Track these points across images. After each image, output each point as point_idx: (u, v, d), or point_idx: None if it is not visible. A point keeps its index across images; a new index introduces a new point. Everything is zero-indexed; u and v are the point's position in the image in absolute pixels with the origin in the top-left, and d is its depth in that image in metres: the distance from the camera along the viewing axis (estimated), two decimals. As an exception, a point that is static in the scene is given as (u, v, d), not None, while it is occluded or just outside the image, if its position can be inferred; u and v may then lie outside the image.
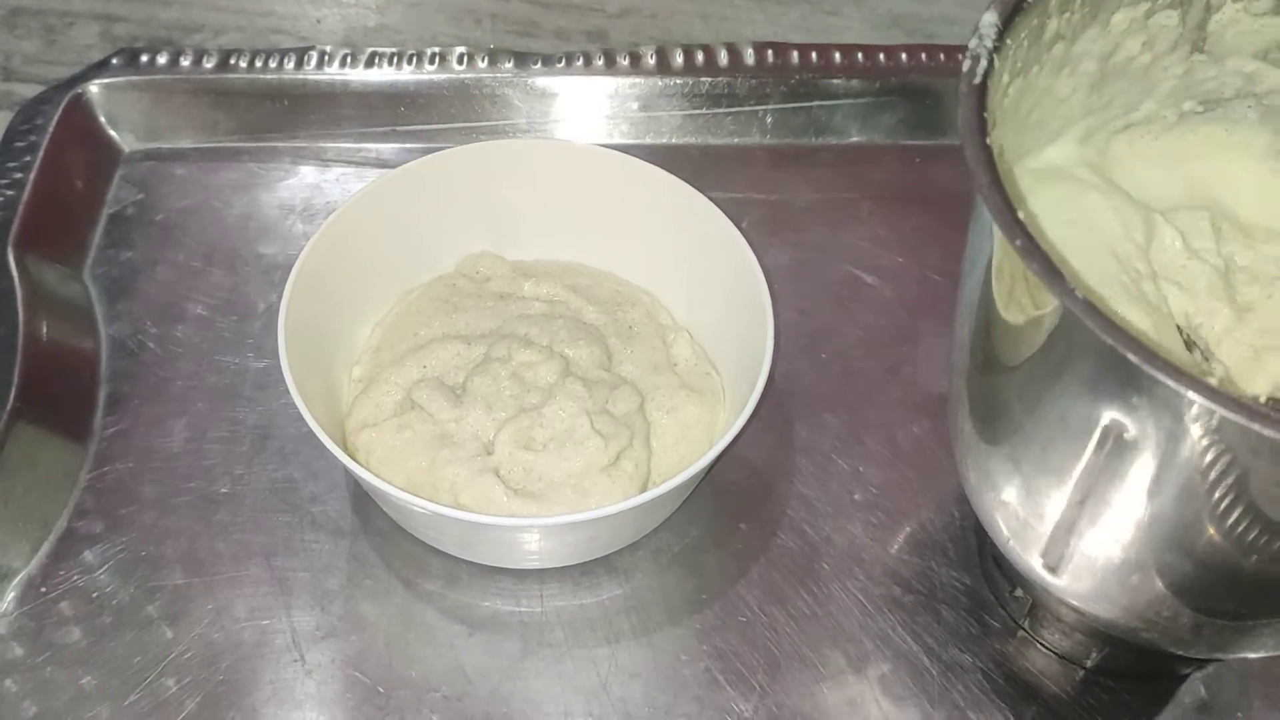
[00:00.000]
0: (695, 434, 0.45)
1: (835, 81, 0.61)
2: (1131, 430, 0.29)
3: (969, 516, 0.47)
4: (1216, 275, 0.40)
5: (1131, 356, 0.26)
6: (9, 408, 0.46)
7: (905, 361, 0.52)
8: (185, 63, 0.59)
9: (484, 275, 0.50)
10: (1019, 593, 0.44)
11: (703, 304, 0.49)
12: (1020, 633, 0.44)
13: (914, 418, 0.50)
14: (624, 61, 0.60)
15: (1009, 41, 0.33)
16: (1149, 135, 0.43)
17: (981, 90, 0.31)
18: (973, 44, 0.32)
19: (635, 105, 0.60)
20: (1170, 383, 0.26)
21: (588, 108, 0.60)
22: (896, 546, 0.47)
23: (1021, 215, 0.28)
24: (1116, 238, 0.39)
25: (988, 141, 0.30)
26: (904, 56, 0.61)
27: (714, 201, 0.48)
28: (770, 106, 0.61)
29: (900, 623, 0.45)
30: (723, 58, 0.61)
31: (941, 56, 0.61)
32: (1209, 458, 0.28)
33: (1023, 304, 0.31)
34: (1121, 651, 0.42)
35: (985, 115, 0.30)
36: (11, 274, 0.50)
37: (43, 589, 0.44)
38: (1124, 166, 0.42)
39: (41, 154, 0.55)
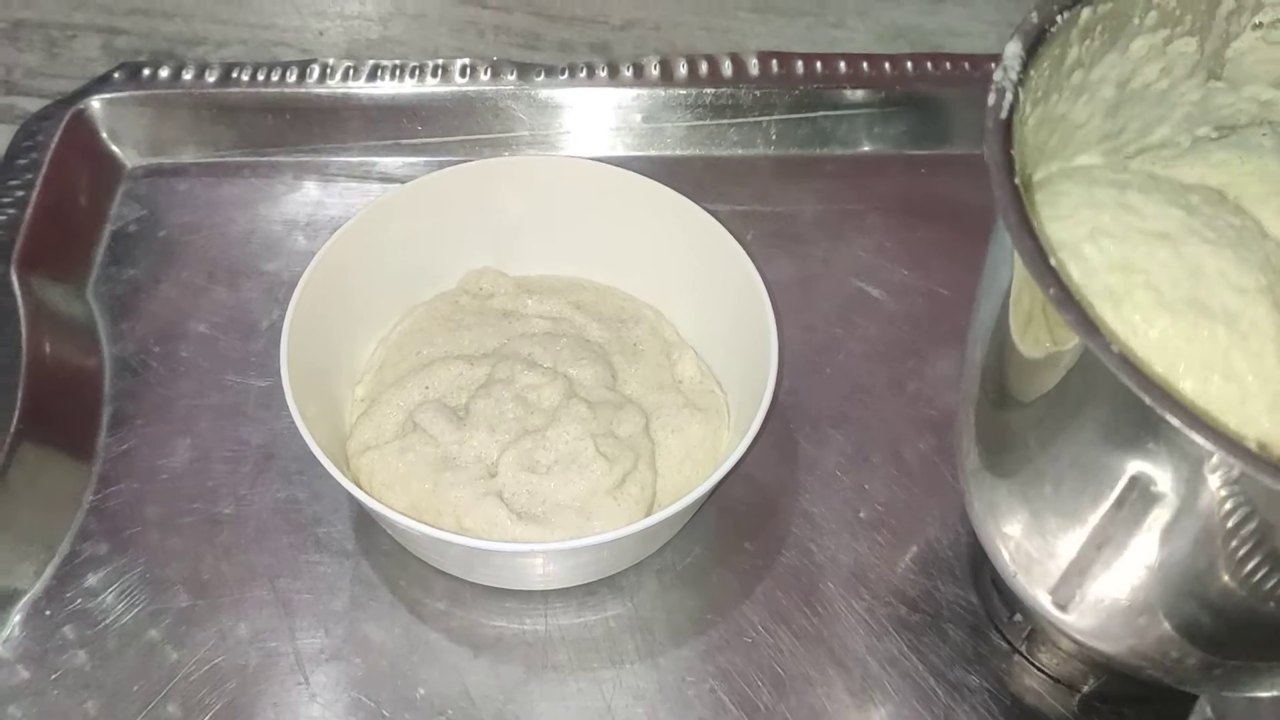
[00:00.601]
0: (700, 454, 0.45)
1: (840, 92, 0.60)
2: (1153, 476, 0.28)
3: (974, 535, 0.46)
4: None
5: (1172, 419, 0.25)
6: (12, 428, 0.46)
7: (912, 376, 0.52)
8: (187, 76, 0.59)
9: (487, 292, 0.50)
10: (1018, 617, 0.43)
11: (706, 320, 0.49)
12: (1016, 656, 0.44)
13: (920, 434, 0.50)
14: (627, 73, 0.60)
15: (1032, 72, 0.32)
16: (1160, 162, 0.42)
17: (1008, 126, 0.30)
18: (997, 76, 0.31)
19: (639, 117, 0.60)
20: (1213, 447, 0.25)
21: (591, 119, 0.60)
22: (902, 565, 0.47)
23: (1054, 262, 0.27)
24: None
25: (1016, 181, 0.29)
26: (909, 66, 0.61)
27: (718, 214, 0.48)
28: (775, 117, 0.61)
29: (906, 643, 0.44)
30: (727, 68, 0.60)
31: (947, 65, 0.61)
32: (1231, 508, 0.27)
33: (1040, 337, 0.31)
34: (1121, 678, 0.42)
35: (1012, 153, 0.30)
36: (14, 293, 0.50)
37: (47, 612, 0.44)
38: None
39: (44, 171, 0.55)
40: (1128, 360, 0.26)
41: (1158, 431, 0.27)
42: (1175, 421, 0.25)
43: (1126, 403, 0.27)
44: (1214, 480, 0.27)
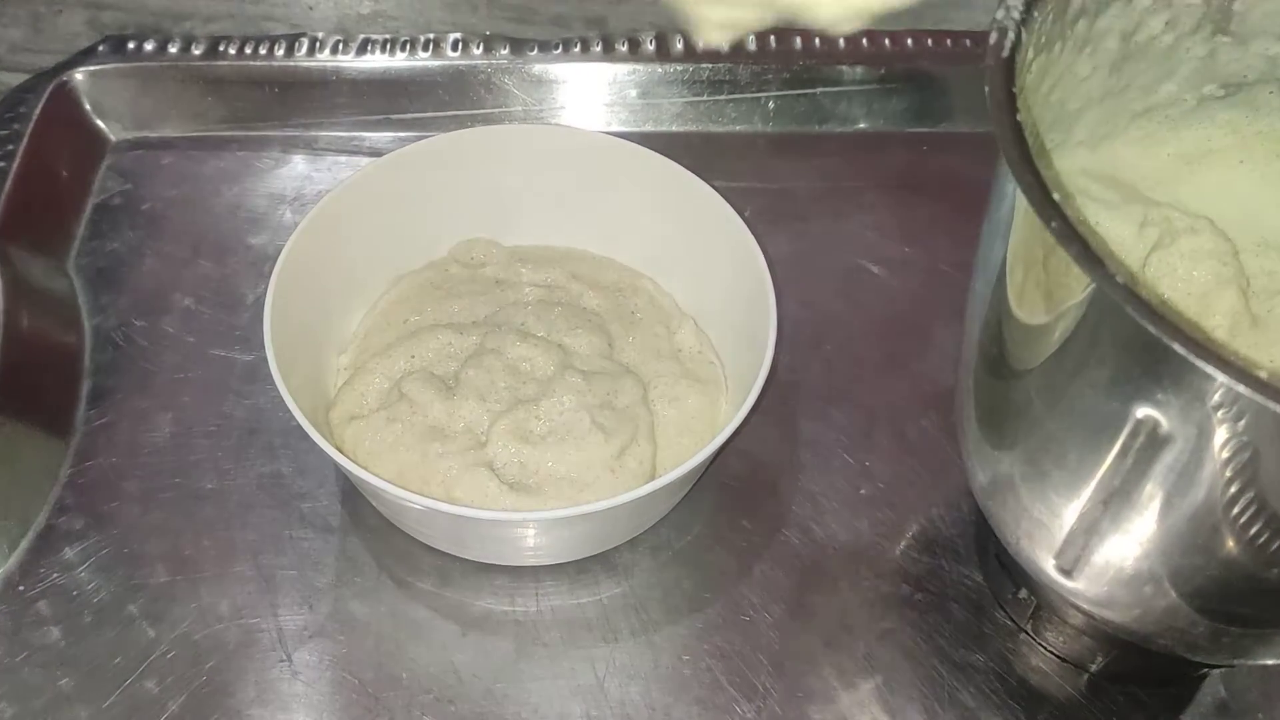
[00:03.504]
0: (698, 425, 0.44)
1: (839, 67, 0.59)
2: (1159, 418, 0.27)
3: (979, 513, 0.45)
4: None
5: (1178, 347, 0.24)
6: (-12, 401, 0.45)
7: (912, 354, 0.51)
8: (174, 50, 0.58)
9: (479, 261, 0.49)
10: (1023, 594, 0.42)
11: (704, 293, 0.48)
12: (1022, 635, 0.43)
13: (922, 411, 0.49)
14: (622, 48, 0.59)
15: (1035, 14, 0.31)
16: (1166, 124, 0.41)
17: (1009, 64, 0.30)
18: (999, 15, 0.31)
19: (634, 92, 0.59)
20: (1221, 376, 0.24)
21: (586, 95, 0.59)
22: (904, 543, 0.45)
23: (1057, 196, 0.27)
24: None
25: (1018, 118, 0.28)
26: (910, 42, 0.60)
27: (716, 190, 0.47)
28: (772, 93, 0.59)
29: (909, 622, 0.43)
30: (724, 44, 0.59)
31: (949, 42, 0.60)
32: (1238, 447, 0.26)
33: (1040, 299, 0.30)
34: (1129, 655, 0.41)
35: (1014, 90, 0.29)
36: (-8, 264, 0.49)
37: (21, 587, 0.43)
38: (1131, 172, 0.41)
39: (25, 143, 0.54)
40: (1133, 290, 0.25)
41: (1165, 366, 0.26)
42: (1181, 350, 0.24)
43: (1133, 338, 0.26)
44: (1221, 415, 0.26)
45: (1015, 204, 0.31)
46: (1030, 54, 0.32)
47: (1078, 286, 0.28)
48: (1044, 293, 0.30)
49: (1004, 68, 0.30)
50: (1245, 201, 0.40)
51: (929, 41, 0.60)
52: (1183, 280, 0.36)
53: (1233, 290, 0.34)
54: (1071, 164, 0.39)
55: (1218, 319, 0.35)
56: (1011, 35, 0.30)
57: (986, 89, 0.29)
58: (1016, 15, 0.31)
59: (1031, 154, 0.27)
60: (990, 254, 0.33)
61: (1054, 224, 0.26)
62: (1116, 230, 0.36)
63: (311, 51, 0.58)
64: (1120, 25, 0.36)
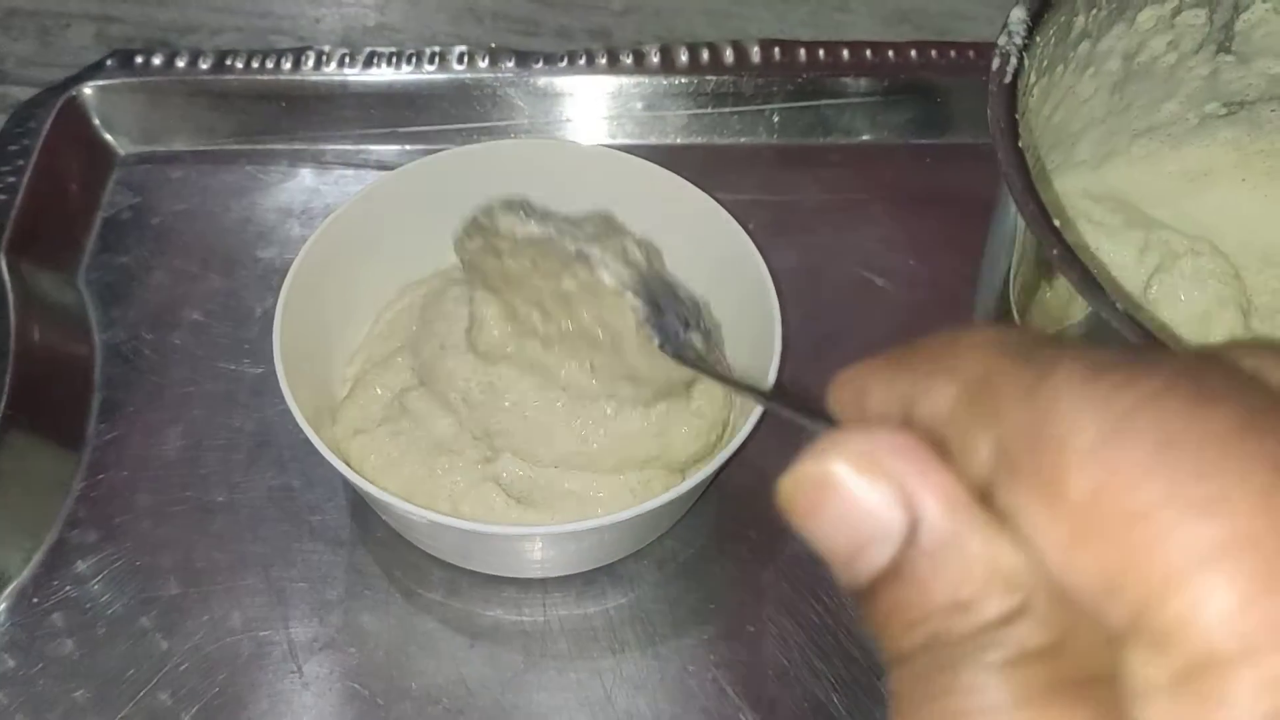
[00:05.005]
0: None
1: (844, 80, 0.60)
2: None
3: (983, 523, 0.45)
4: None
5: None
6: (0, 415, 0.45)
7: (916, 364, 0.51)
8: (181, 64, 0.58)
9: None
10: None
11: (709, 305, 0.48)
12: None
13: (926, 422, 0.49)
14: (628, 60, 0.59)
15: (1037, 38, 0.32)
16: (1169, 143, 0.41)
17: (1012, 90, 0.30)
18: (1001, 41, 0.31)
19: (639, 105, 0.59)
20: None
21: (591, 108, 0.59)
22: (909, 554, 0.46)
23: (1058, 223, 0.27)
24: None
25: (1020, 144, 0.29)
26: (914, 53, 0.60)
27: (719, 203, 0.47)
28: (777, 105, 0.60)
29: (913, 632, 0.43)
30: (728, 56, 0.60)
31: (953, 53, 0.60)
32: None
33: (1043, 316, 0.30)
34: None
35: (1017, 116, 0.29)
36: (4, 279, 0.49)
37: (34, 599, 0.43)
38: (1133, 190, 0.41)
39: (35, 157, 0.54)
40: (1133, 316, 0.25)
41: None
42: None
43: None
44: None
45: (1018, 225, 0.31)
46: (1032, 77, 0.33)
47: (1078, 308, 0.28)
48: (1046, 310, 0.30)
49: (1006, 93, 0.30)
50: (1247, 219, 0.40)
51: (933, 53, 0.60)
52: (1184, 301, 0.36)
53: (1232, 309, 0.35)
54: (1074, 185, 0.39)
55: (1217, 338, 0.35)
56: (1014, 60, 0.31)
57: (989, 114, 0.29)
58: (1019, 40, 0.31)
59: (1033, 181, 0.28)
60: (994, 269, 0.34)
61: (1055, 251, 0.27)
62: (1119, 255, 0.37)
63: (318, 65, 0.58)
64: (1122, 46, 0.36)
